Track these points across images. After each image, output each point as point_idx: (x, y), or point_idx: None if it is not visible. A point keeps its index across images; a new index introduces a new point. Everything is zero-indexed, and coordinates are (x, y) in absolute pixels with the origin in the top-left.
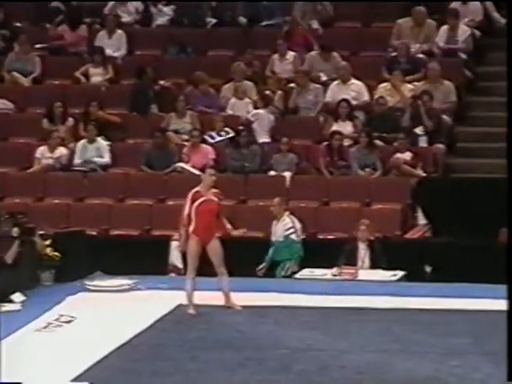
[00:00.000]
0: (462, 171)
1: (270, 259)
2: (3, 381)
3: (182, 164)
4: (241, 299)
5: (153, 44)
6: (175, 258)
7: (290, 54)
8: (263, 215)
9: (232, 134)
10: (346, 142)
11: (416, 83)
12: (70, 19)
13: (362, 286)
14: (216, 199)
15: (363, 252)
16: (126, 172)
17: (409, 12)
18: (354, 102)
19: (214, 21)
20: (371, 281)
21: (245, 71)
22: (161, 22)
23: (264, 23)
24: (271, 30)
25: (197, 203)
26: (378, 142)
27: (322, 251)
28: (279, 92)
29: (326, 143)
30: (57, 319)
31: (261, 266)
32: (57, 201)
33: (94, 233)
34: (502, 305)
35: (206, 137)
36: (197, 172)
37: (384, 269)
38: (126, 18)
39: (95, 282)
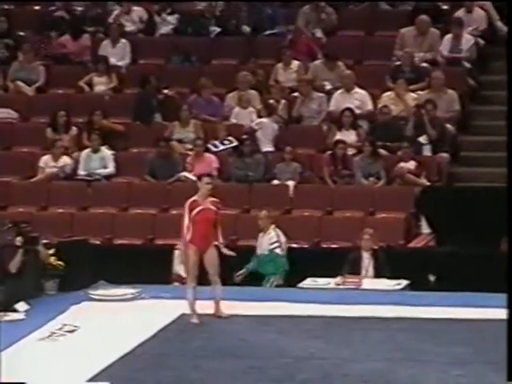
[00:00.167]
0: (465, 180)
1: (251, 269)
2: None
3: (185, 173)
4: (244, 308)
5: (157, 53)
6: (178, 267)
7: (294, 63)
8: None
9: (235, 143)
10: (350, 151)
11: (420, 92)
12: (73, 29)
13: (366, 295)
14: (214, 208)
15: (367, 261)
16: (129, 181)
17: (412, 21)
18: (357, 111)
19: (217, 30)
20: (375, 290)
21: (250, 81)
22: (164, 31)
23: (268, 32)
24: (275, 39)
25: (194, 212)
26: (382, 151)
27: (325, 260)
28: (283, 101)
29: (329, 152)
30: (60, 328)
31: (240, 272)
32: (60, 210)
33: (98, 242)
34: (505, 314)
35: (210, 146)
36: None
37: (388, 278)
38: (129, 27)
39: (99, 291)
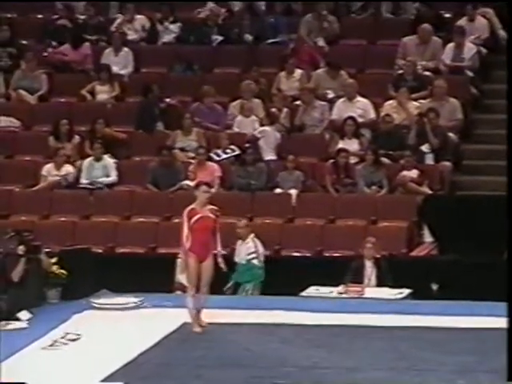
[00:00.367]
0: (467, 189)
1: (234, 279)
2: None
3: (187, 182)
4: (246, 317)
5: (159, 61)
6: (181, 275)
7: (297, 72)
8: (269, 233)
9: (237, 152)
10: (352, 160)
11: (422, 101)
12: (73, 37)
13: (369, 303)
14: (213, 216)
15: (369, 270)
16: (131, 189)
17: (414, 30)
18: (360, 120)
19: (220, 38)
20: (377, 299)
21: (254, 90)
22: (167, 40)
23: (270, 41)
24: (277, 48)
25: (193, 220)
26: (385, 160)
27: (328, 269)
28: (285, 109)
29: (332, 161)
30: (63, 337)
31: (228, 286)
32: (63, 218)
33: (100, 250)
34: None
35: (212, 155)
36: None
37: (390, 287)
38: (132, 36)
39: (101, 300)
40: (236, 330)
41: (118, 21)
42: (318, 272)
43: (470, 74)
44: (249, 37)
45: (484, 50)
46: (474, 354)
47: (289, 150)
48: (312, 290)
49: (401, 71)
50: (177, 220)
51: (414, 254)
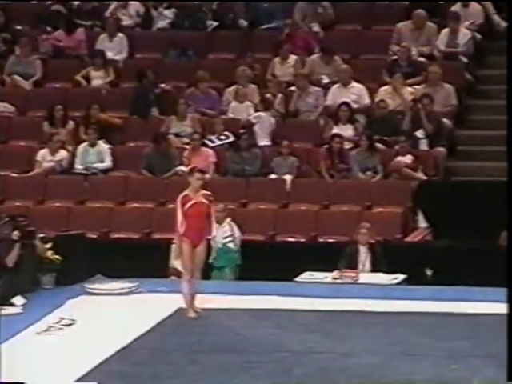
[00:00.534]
0: (462, 174)
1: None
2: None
3: (182, 167)
4: (241, 302)
5: (153, 47)
6: (176, 261)
7: (291, 58)
8: (264, 219)
9: (232, 139)
10: (347, 145)
11: (416, 86)
12: (67, 23)
13: (363, 289)
14: (206, 201)
15: (364, 255)
16: (126, 175)
17: (409, 15)
18: (354, 105)
19: (214, 24)
20: (372, 284)
21: (249, 75)
22: (161, 25)
23: (265, 26)
24: (272, 33)
25: (186, 206)
26: (379, 145)
27: (322, 254)
28: (280, 95)
29: (326, 146)
30: (57, 322)
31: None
32: (57, 204)
33: (95, 236)
34: (502, 308)
35: (207, 141)
36: None
37: (385, 272)
38: (126, 21)
39: (96, 285)
40: (231, 316)
41: (113, 6)
42: (312, 257)
43: (465, 59)
44: (243, 22)
45: (478, 36)
46: (469, 340)
47: (283, 136)
48: (306, 276)
49: (395, 57)
50: (171, 205)
51: (408, 239)
